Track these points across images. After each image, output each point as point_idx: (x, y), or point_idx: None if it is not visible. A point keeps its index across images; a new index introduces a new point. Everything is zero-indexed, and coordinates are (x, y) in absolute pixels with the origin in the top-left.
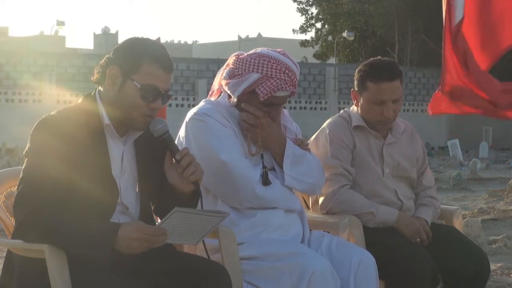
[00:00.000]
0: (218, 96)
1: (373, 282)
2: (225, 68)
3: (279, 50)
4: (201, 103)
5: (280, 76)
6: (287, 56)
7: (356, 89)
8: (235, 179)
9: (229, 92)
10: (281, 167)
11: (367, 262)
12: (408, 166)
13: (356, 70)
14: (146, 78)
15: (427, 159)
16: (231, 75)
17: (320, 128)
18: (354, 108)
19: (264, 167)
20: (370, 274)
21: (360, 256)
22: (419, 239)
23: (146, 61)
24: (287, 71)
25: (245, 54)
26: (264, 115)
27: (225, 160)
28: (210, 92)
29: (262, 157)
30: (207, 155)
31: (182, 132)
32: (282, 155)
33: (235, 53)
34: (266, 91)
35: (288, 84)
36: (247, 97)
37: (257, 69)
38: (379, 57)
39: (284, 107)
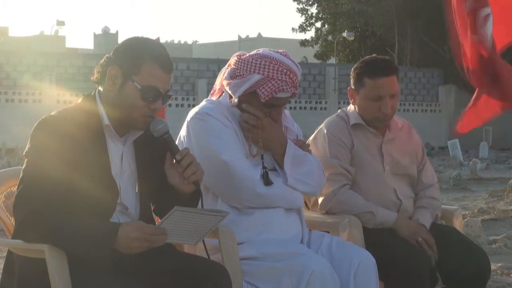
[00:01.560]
0: (219, 96)
1: (373, 283)
2: (227, 68)
3: (281, 51)
4: (203, 103)
5: (282, 77)
6: (288, 57)
7: (353, 87)
8: (236, 178)
9: (230, 92)
10: (282, 168)
11: (367, 262)
12: (408, 163)
13: (352, 69)
14: (146, 78)
15: (426, 156)
16: (232, 76)
17: (318, 128)
18: (351, 107)
19: (264, 167)
20: (370, 274)
21: (360, 257)
22: (420, 239)
23: (146, 62)
24: (288, 72)
25: (247, 55)
26: (265, 116)
27: (226, 159)
28: (211, 91)
29: (262, 157)
30: (208, 154)
31: (183, 132)
32: (283, 155)
33: (237, 53)
34: (267, 92)
35: (289, 85)
36: (248, 98)
37: (259, 70)
38: (374, 55)
39: (285, 108)
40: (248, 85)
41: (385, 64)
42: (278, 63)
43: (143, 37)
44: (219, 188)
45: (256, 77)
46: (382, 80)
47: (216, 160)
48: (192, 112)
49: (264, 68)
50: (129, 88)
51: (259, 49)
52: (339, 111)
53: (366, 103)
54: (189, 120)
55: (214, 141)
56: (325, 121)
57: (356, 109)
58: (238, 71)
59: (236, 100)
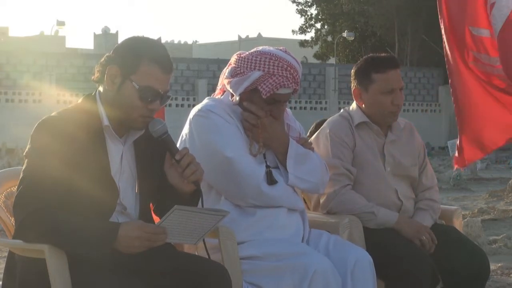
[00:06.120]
0: (221, 95)
1: (370, 281)
2: (227, 68)
3: (281, 48)
4: (205, 101)
5: (282, 73)
6: (288, 54)
7: (358, 86)
8: (240, 175)
9: (231, 90)
10: (284, 166)
11: (363, 261)
12: (409, 164)
13: (355, 69)
14: (145, 79)
15: (427, 157)
16: (233, 74)
17: (321, 128)
18: (354, 106)
19: (267, 166)
20: (367, 273)
21: (356, 255)
22: (424, 238)
23: (145, 62)
24: (289, 68)
25: (247, 53)
26: (266, 114)
27: (229, 156)
28: (214, 94)
29: (264, 156)
30: (211, 151)
31: (185, 130)
32: (285, 154)
33: (237, 52)
34: (268, 89)
35: (290, 81)
36: (250, 95)
37: (259, 66)
38: (371, 54)
39: (286, 106)
40: (249, 82)
41: (390, 58)
42: (279, 59)
43: (144, 37)
44: (222, 186)
45: (256, 74)
46: (392, 72)
47: (220, 156)
48: (195, 109)
49: (264, 64)
50: (127, 88)
51: (259, 47)
52: (341, 110)
53: (378, 99)
54: (191, 118)
55: (217, 137)
56: (327, 121)
57: (364, 108)
58: (239, 69)
59: (237, 98)
